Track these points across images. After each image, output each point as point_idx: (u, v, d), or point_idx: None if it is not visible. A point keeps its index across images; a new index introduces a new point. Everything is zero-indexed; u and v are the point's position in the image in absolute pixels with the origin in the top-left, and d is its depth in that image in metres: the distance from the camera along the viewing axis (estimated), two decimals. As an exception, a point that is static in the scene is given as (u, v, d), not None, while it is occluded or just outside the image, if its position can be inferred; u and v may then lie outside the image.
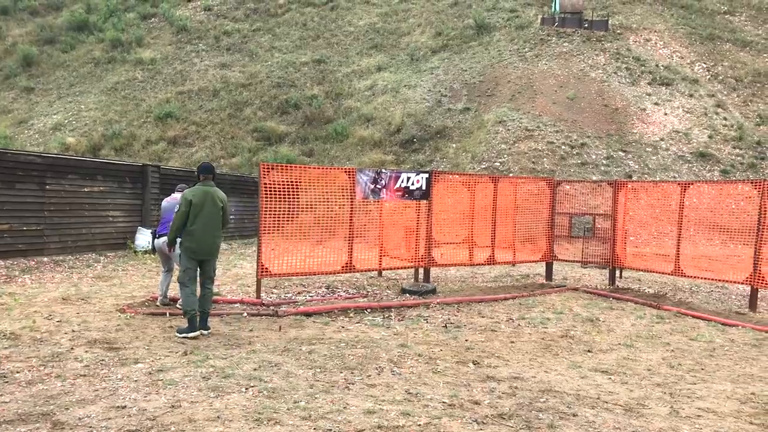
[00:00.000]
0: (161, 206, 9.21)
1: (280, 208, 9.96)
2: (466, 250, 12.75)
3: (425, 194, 11.66)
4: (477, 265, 12.92)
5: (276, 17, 40.67)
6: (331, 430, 4.67)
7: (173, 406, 5.01)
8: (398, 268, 12.26)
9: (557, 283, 12.92)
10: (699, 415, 5.49)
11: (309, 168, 11.11)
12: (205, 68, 35.74)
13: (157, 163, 22.81)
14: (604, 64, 31.47)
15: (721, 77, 31.63)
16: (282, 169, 10.46)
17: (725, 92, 30.64)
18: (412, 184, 11.53)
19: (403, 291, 11.15)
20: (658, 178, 24.39)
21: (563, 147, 26.18)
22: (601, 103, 29.08)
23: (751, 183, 11.06)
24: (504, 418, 5.14)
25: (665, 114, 28.50)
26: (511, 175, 23.91)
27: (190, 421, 4.71)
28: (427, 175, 11.70)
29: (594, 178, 24.20)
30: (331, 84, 33.45)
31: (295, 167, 10.67)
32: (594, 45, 32.79)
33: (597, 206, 19.69)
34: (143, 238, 15.67)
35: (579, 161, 25.61)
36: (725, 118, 28.42)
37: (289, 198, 10.22)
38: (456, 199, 12.91)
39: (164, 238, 8.66)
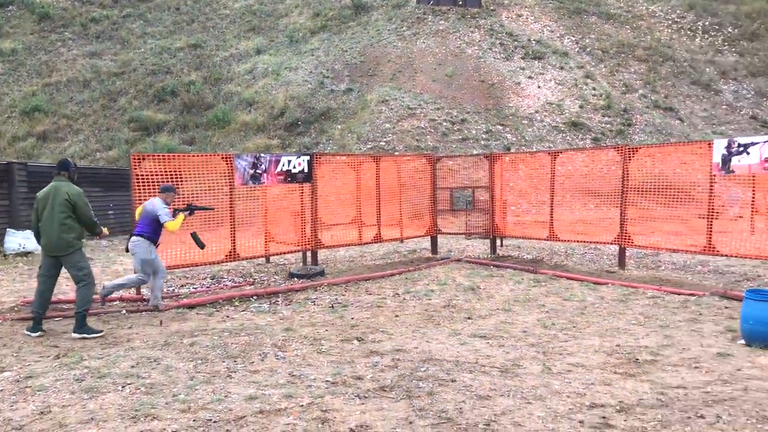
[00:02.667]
0: (143, 207, 8.95)
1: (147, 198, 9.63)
2: (355, 230, 12.86)
3: (308, 177, 11.63)
4: (365, 244, 13.06)
5: (146, 2, 39.01)
6: (211, 419, 4.62)
7: (42, 413, 4.79)
8: (286, 253, 12.19)
9: (442, 256, 13.27)
10: (569, 370, 5.82)
11: (184, 156, 10.81)
12: (73, 58, 33.85)
13: (25, 160, 21.47)
14: (479, 41, 32.32)
15: (588, 49, 33.24)
16: (156, 158, 10.12)
17: (593, 63, 32.24)
18: (294, 167, 11.46)
19: (291, 275, 11.12)
20: (534, 149, 25.40)
21: (445, 124, 26.76)
22: (478, 79, 29.89)
23: (615, 149, 11.75)
24: (386, 390, 5.25)
25: (539, 87, 29.67)
26: (396, 153, 24.24)
27: (61, 426, 4.53)
28: (308, 158, 11.66)
29: (475, 152, 24.90)
30: (209, 69, 32.56)
31: (170, 156, 10.34)
32: (469, 22, 33.58)
33: (479, 179, 20.32)
34: (14, 240, 14.78)
35: (460, 137, 26.28)
36: (594, 89, 29.94)
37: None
38: (341, 180, 12.97)
39: (134, 239, 8.60)
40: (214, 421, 4.59)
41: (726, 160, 9.92)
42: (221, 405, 4.91)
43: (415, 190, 13.79)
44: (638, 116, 28.78)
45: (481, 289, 9.78)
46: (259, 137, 27.54)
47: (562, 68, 31.04)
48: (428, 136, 26.10)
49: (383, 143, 25.56)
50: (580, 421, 4.63)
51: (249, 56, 33.81)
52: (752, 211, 10.86)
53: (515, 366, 5.94)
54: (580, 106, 28.66)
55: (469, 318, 7.89)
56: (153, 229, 8.59)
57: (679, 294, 9.00)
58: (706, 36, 35.96)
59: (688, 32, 36.12)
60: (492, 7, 35.26)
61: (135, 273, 8.67)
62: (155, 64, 32.92)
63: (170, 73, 32.25)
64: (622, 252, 11.50)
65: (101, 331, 7.24)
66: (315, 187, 11.67)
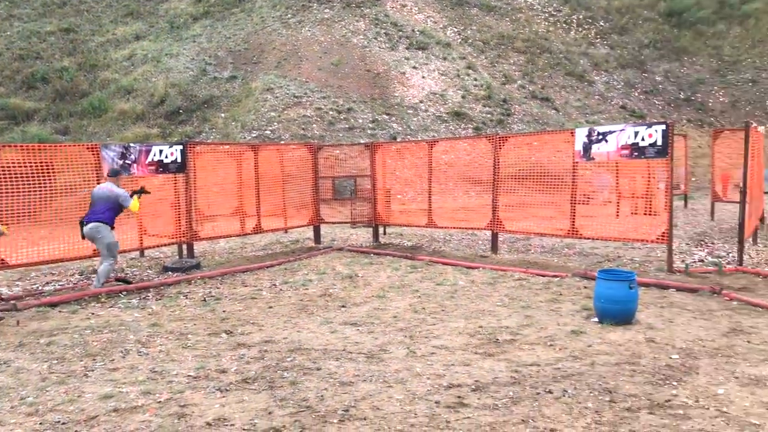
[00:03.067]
0: (92, 193, 9.33)
1: (13, 192, 9.08)
2: (237, 221, 12.63)
3: (181, 167, 11.30)
4: (245, 235, 12.87)
5: (13, -18, 36.50)
6: (59, 421, 4.43)
7: None
8: (161, 246, 11.83)
9: (325, 245, 13.28)
10: (433, 353, 5.99)
11: (47, 147, 10.22)
12: (-72, 40, 31.21)
13: None
14: (364, 30, 32.43)
15: (470, 41, 34.09)
16: (16, 149, 9.53)
17: (475, 54, 33.11)
18: (166, 157, 11.11)
19: (165, 269, 10.80)
20: (419, 138, 25.83)
21: (331, 112, 26.72)
22: (364, 69, 30.01)
23: (487, 138, 12.14)
24: (248, 382, 5.22)
25: (423, 77, 30.16)
26: (282, 142, 23.98)
27: None
28: (181, 147, 11.33)
29: (362, 141, 25.02)
30: (83, 55, 30.92)
31: (28, 146, 9.77)
32: (354, 11, 33.62)
33: (365, 168, 20.46)
34: None
35: (347, 126, 26.33)
36: (476, 79, 30.77)
37: (29, 181, 9.35)
38: (219, 169, 12.69)
39: (93, 224, 8.99)
40: (63, 423, 4.41)
41: (587, 148, 10.47)
42: (73, 406, 4.72)
43: (297, 179, 13.70)
44: (517, 106, 29.86)
45: (359, 277, 9.87)
46: (138, 126, 26.48)
47: (445, 59, 31.69)
48: (314, 125, 25.98)
49: (268, 132, 25.22)
50: (437, 402, 4.78)
51: (127, 42, 32.40)
52: (618, 196, 11.55)
53: (382, 351, 6.05)
54: (463, 96, 29.39)
55: (343, 306, 7.95)
56: (113, 214, 9.18)
57: (543, 276, 9.45)
58: (580, 29, 37.72)
59: (564, 25, 37.75)
60: (377, -3, 35.46)
61: (102, 260, 9.22)
62: (23, 49, 30.91)
63: (40, 59, 30.38)
64: (494, 237, 11.92)
65: None
66: (189, 177, 11.36)
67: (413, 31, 33.16)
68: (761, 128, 11.87)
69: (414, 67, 30.70)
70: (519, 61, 33.68)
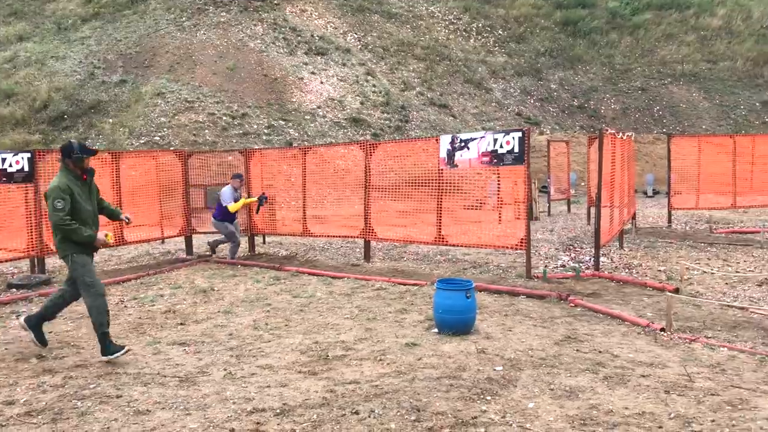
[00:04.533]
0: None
1: None
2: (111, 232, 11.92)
3: (29, 176, 10.56)
4: (107, 246, 12.16)
5: None
6: None
7: None
8: (8, 261, 11.02)
9: (196, 256, 12.75)
10: (254, 374, 5.67)
11: None
12: None
13: None
14: (262, 34, 31.88)
15: (370, 47, 34.06)
16: None
17: (374, 61, 33.10)
18: (11, 165, 10.36)
19: (10, 286, 10.05)
20: (317, 143, 25.51)
21: (225, 118, 26.06)
22: (261, 73, 29.46)
23: (358, 145, 11.94)
24: (32, 416, 4.75)
25: (321, 83, 29.88)
26: (172, 148, 23.15)
27: None
28: (29, 155, 10.59)
29: (256, 147, 24.48)
30: (-41, 56, 29.04)
31: None
32: (252, 15, 33.00)
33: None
34: None
35: (241, 131, 25.73)
36: (374, 86, 30.73)
37: None
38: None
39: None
40: None
41: (450, 155, 10.42)
42: None
43: (166, 188, 13.11)
44: (415, 113, 30.01)
45: (214, 291, 9.45)
46: (18, 132, 25.03)
47: (344, 65, 31.51)
48: (207, 131, 25.27)
49: (157, 138, 24.33)
50: (231, 430, 4.46)
51: (9, 43, 30.66)
52: (481, 203, 11.56)
53: (200, 373, 5.68)
54: (361, 103, 29.27)
55: (181, 324, 7.53)
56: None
57: (404, 285, 9.30)
58: (480, 37, 38.38)
59: (464, 33, 38.32)
60: (276, 1, 34.95)
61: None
62: None
63: None
64: (367, 245, 11.73)
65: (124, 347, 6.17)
66: (38, 187, 10.62)
67: (312, 36, 32.85)
68: (623, 135, 12.18)
69: (312, 73, 30.39)
70: (418, 68, 33.90)
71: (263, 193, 12.69)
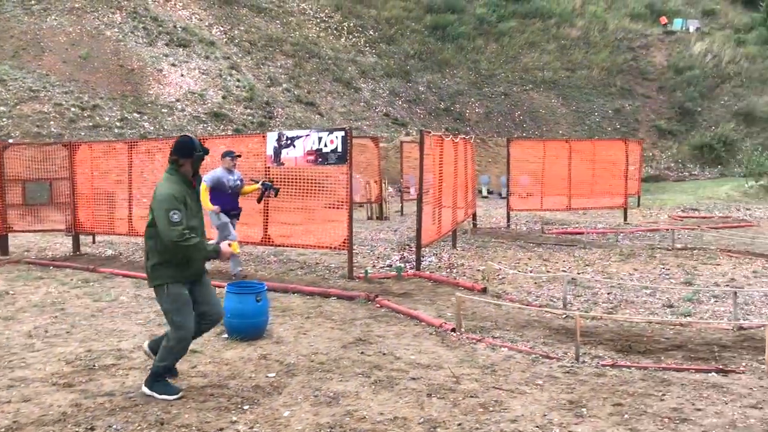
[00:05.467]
0: None
1: None
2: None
3: None
4: None
5: None
6: None
7: None
8: None
9: (16, 257, 11.79)
10: (10, 386, 5.17)
11: None
12: None
13: None
14: (120, 23, 30.35)
15: (237, 41, 33.25)
16: None
17: (240, 55, 32.33)
18: None
19: None
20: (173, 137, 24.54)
21: (73, 109, 24.56)
22: (116, 63, 28.02)
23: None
24: None
25: (182, 75, 28.82)
26: (11, 141, 21.51)
27: None
28: None
29: (106, 140, 23.21)
30: None
31: None
32: (110, 2, 31.34)
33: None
34: None
35: (91, 124, 24.35)
36: (239, 80, 30.00)
37: None
38: None
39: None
40: None
41: (277, 153, 10.17)
42: None
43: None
44: (280, 109, 29.57)
45: (9, 294, 8.71)
46: None
47: (207, 58, 30.57)
48: (52, 123, 23.71)
49: (-6, 129, 22.56)
50: (-65, 454, 3.99)
51: None
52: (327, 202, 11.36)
53: (-62, 389, 5.11)
54: (223, 97, 28.49)
55: (-51, 332, 6.83)
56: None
57: (219, 287, 8.92)
58: (351, 36, 38.38)
59: (335, 32, 38.19)
60: (138, -11, 33.42)
61: None
62: None
63: None
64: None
65: (178, 392, 4.98)
66: None
67: (175, 27, 31.66)
68: (455, 137, 12.38)
69: (173, 65, 29.26)
70: (287, 64, 33.44)
71: (268, 180, 9.63)
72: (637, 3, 46.85)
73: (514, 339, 6.53)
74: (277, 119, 28.85)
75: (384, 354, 6.01)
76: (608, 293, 8.53)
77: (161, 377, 4.97)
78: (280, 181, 10.19)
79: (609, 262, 10.90)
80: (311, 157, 9.74)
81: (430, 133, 10.17)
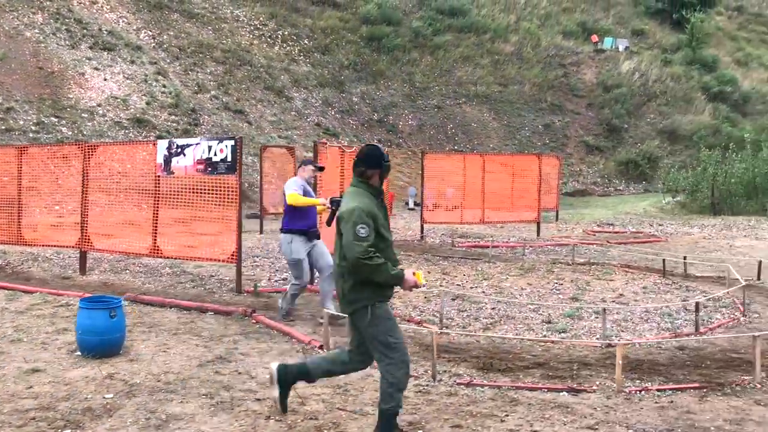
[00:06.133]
0: None
1: None
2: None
3: None
4: None
5: None
6: None
7: None
8: None
9: None
10: None
11: None
12: None
13: None
14: (41, 24, 29.35)
15: (165, 46, 32.56)
16: None
17: (168, 60, 31.67)
18: None
19: None
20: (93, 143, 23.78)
21: (-16, 111, 23.57)
22: (35, 65, 27.06)
23: (76, 146, 11.02)
24: None
25: (105, 79, 28.04)
26: None
27: None
28: None
29: (19, 144, 22.33)
30: None
31: None
32: (31, 3, 30.29)
33: None
34: None
35: (4, 127, 23.40)
36: (164, 86, 29.35)
37: None
38: None
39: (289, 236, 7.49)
40: None
41: (168, 161, 9.85)
42: None
43: None
44: (206, 117, 29.05)
45: None
46: None
47: (133, 62, 29.81)
48: (-40, 125, 22.70)
49: None
50: None
51: None
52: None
53: None
54: (147, 103, 27.81)
55: None
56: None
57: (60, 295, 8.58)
58: (285, 45, 38.08)
59: (269, 40, 37.82)
60: (62, -10, 32.44)
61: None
62: None
63: None
64: (83, 256, 10.80)
65: None
66: None
67: (101, 30, 30.81)
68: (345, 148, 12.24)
69: (96, 69, 28.44)
70: (217, 71, 32.90)
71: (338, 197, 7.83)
72: (570, 21, 48.00)
73: (381, 356, 6.38)
74: (203, 126, 28.34)
75: (239, 373, 5.79)
76: (492, 308, 8.49)
77: (393, 421, 4.37)
78: (171, 191, 9.88)
79: (507, 276, 10.92)
80: (201, 167, 9.47)
81: (326, 144, 10.00)
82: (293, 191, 7.38)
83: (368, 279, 4.23)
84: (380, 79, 39.10)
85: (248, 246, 14.09)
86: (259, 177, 19.10)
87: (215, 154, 9.33)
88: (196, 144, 9.58)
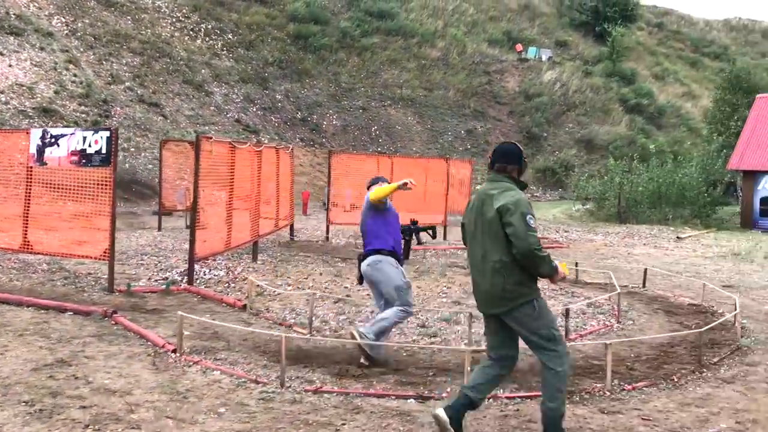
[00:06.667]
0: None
1: None
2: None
3: None
4: None
5: None
6: None
7: None
8: None
9: None
10: None
11: None
12: None
13: None
14: (-58, 4, 27.81)
15: (80, 34, 31.36)
16: None
17: (81, 49, 30.50)
18: None
19: None
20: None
21: None
22: (-68, 47, 25.59)
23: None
24: None
25: (10, 66, 26.73)
26: None
27: None
28: None
29: None
30: None
31: None
32: (-68, -20, 28.70)
33: None
34: None
35: None
36: (75, 75, 28.23)
37: None
38: None
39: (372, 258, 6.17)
40: None
41: (41, 152, 9.30)
42: None
43: None
44: (119, 108, 28.09)
45: None
46: None
47: (42, 49, 28.56)
48: None
49: None
50: None
51: None
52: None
53: None
54: (56, 92, 26.67)
55: None
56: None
57: None
58: (207, 39, 37.29)
59: (191, 32, 36.96)
60: (-32, -31, 30.82)
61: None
62: None
63: None
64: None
65: None
66: None
67: (8, 14, 29.40)
68: (253, 144, 11.96)
69: (0, 54, 27.07)
70: (133, 62, 31.90)
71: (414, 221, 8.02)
72: (496, 29, 48.81)
73: (237, 361, 6.11)
74: (114, 118, 27.38)
75: (76, 378, 5.41)
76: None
77: (561, 422, 4.27)
78: (44, 183, 9.35)
79: (400, 280, 10.78)
80: (75, 158, 8.97)
81: (211, 138, 9.65)
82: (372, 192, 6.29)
83: (533, 271, 4.18)
84: (305, 78, 38.75)
85: (140, 243, 13.61)
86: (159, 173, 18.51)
87: (90, 146, 8.86)
88: (71, 134, 9.08)
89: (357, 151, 31.50)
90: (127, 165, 24.84)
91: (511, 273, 4.16)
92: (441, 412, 4.31)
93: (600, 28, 52.42)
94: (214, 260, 11.84)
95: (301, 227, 18.05)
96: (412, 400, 5.23)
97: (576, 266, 12.13)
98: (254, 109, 34.64)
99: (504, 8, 53.29)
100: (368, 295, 9.28)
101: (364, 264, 6.26)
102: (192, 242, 9.27)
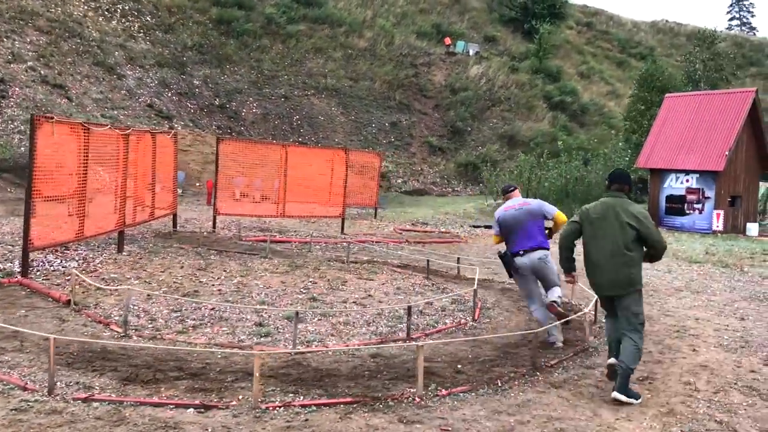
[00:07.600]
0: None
1: None
2: None
3: None
4: None
5: None
6: None
7: None
8: None
9: None
10: None
11: None
12: None
13: None
14: None
15: (-22, 8, 29.56)
16: None
17: (-21, 25, 28.76)
18: None
19: None
20: None
21: None
22: None
23: None
24: None
25: None
26: None
27: None
28: None
29: None
30: None
31: None
32: None
33: None
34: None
35: None
36: (-30, 52, 26.59)
37: None
38: None
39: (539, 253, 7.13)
40: None
41: None
42: None
43: None
44: (18, 89, 26.56)
45: None
46: None
47: (-67, 23, 26.80)
48: None
49: None
50: None
51: None
52: None
53: None
54: (-54, 69, 25.04)
55: None
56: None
57: None
58: (124, 20, 35.77)
59: (106, 13, 35.38)
60: None
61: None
62: None
63: None
64: None
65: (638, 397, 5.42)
66: None
67: None
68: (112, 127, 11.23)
69: None
70: (38, 41, 30.28)
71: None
72: (425, 22, 48.58)
73: (20, 364, 5.51)
74: (12, 99, 25.93)
75: None
76: (212, 309, 7.81)
77: (628, 379, 5.45)
78: None
79: (269, 274, 10.29)
80: None
81: (53, 118, 8.90)
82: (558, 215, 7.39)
83: (656, 260, 5.79)
84: (226, 64, 37.66)
85: (2, 231, 12.69)
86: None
87: None
88: None
89: (278, 141, 30.73)
90: (23, 149, 23.47)
91: (638, 265, 5.56)
92: (618, 394, 5.38)
93: (528, 25, 52.77)
94: (75, 250, 11.10)
95: (193, 217, 17.32)
96: (191, 409, 4.74)
97: (458, 261, 11.88)
98: (169, 95, 33.38)
99: (434, 1, 53.07)
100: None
101: (533, 257, 7.14)
102: (26, 231, 8.54)
